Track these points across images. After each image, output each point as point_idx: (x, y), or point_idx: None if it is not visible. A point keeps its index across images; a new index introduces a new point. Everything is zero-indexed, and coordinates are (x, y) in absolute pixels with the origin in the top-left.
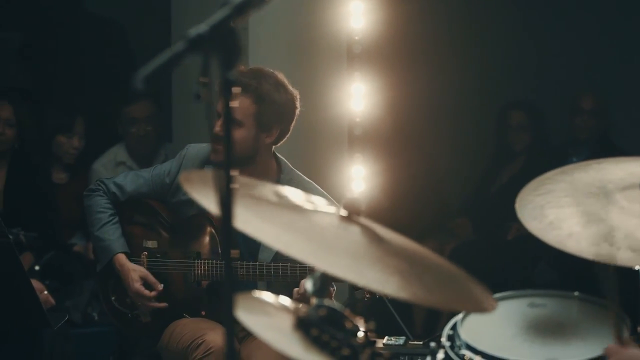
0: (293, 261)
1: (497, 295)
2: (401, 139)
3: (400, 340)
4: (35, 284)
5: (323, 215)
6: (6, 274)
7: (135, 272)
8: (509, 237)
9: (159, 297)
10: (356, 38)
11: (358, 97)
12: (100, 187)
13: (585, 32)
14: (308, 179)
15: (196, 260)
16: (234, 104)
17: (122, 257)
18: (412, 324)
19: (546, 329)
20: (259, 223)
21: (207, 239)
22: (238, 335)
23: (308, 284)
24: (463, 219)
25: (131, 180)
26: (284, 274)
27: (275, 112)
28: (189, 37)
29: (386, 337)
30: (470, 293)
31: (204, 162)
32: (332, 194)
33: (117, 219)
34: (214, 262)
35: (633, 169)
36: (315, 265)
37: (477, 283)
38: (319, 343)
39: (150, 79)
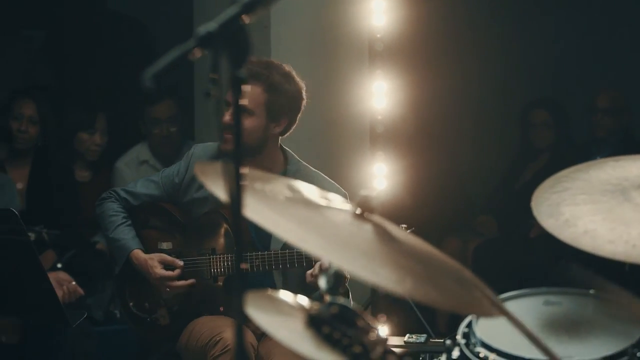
0: None
1: (512, 293)
2: (423, 137)
3: (422, 338)
4: (63, 275)
5: (337, 212)
6: (25, 272)
7: (152, 259)
8: (532, 235)
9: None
10: (378, 36)
11: (380, 94)
12: (111, 195)
13: (607, 29)
14: (315, 170)
15: (211, 257)
16: (244, 100)
17: (138, 252)
18: (435, 322)
19: (561, 327)
20: (272, 215)
21: (221, 235)
22: (257, 332)
23: (322, 281)
24: (487, 216)
25: (141, 185)
26: (299, 260)
27: (284, 102)
28: (198, 34)
29: (407, 335)
30: (480, 298)
31: (212, 159)
32: (354, 193)
33: (130, 221)
34: (230, 256)
35: None
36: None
37: (488, 288)
38: (330, 341)
39: (159, 77)
